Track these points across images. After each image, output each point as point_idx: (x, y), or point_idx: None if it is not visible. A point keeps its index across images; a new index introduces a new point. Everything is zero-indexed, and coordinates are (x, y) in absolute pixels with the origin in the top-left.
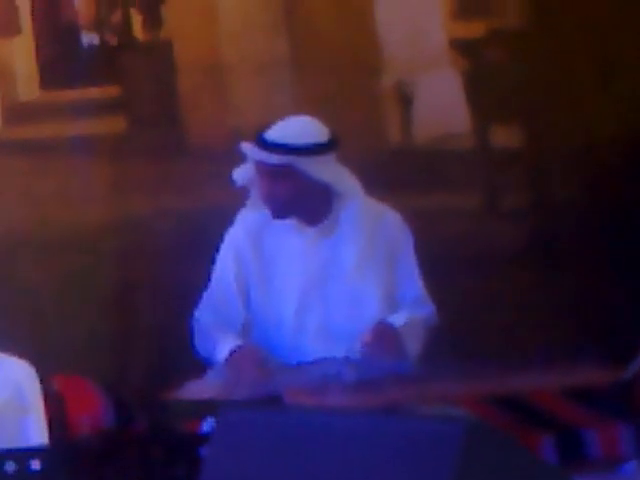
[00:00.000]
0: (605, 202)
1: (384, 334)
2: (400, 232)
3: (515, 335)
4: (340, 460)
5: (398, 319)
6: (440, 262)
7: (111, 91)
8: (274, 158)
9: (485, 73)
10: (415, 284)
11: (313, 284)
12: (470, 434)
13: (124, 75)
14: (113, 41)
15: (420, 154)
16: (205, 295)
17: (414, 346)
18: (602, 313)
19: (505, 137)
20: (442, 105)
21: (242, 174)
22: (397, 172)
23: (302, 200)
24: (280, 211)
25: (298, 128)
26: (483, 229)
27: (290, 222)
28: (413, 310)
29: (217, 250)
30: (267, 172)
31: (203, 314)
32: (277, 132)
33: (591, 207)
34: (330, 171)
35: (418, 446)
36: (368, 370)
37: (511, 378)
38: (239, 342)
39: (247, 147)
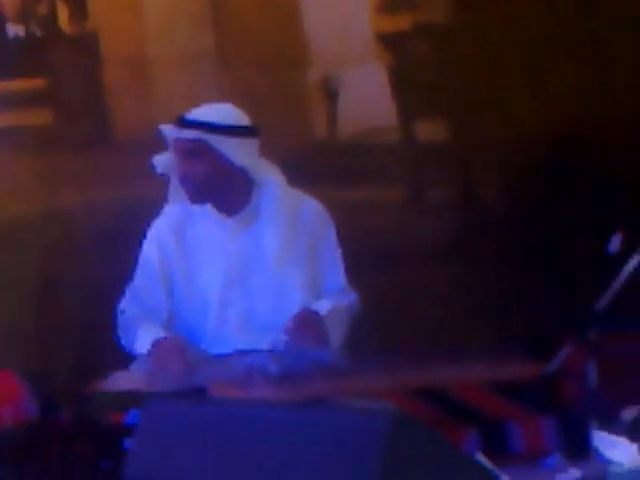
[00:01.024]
0: (529, 198)
1: (308, 321)
2: (321, 221)
3: (440, 329)
4: (264, 453)
5: (323, 307)
6: (365, 256)
7: (37, 83)
8: (189, 134)
9: (411, 67)
10: (338, 273)
11: (235, 275)
12: (394, 427)
13: (50, 67)
14: (39, 33)
15: (345, 148)
16: (130, 287)
17: (338, 334)
18: (526, 307)
19: (430, 131)
20: (368, 99)
21: (161, 161)
22: (322, 166)
23: (218, 183)
24: (196, 193)
25: (216, 109)
26: (408, 223)
27: (210, 213)
28: (337, 299)
29: (142, 244)
30: (183, 151)
31: (128, 306)
32: (195, 112)
33: (515, 202)
34: (247, 156)
35: (342, 439)
36: (293, 362)
37: (435, 371)
38: (162, 334)
39: (165, 127)
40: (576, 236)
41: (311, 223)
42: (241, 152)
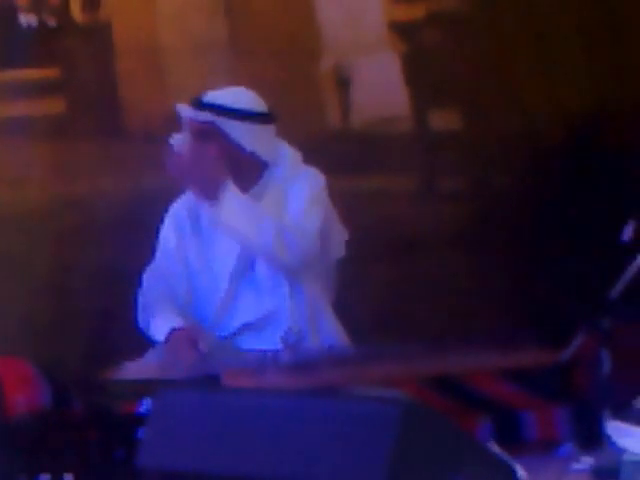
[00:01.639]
0: (542, 186)
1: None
2: (304, 178)
3: (453, 317)
4: (277, 441)
5: None
6: (378, 244)
7: (50, 72)
8: (201, 115)
9: (424, 56)
10: (295, 209)
11: (244, 252)
12: (407, 416)
13: (63, 56)
14: (51, 22)
15: (358, 136)
16: (150, 267)
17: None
18: (540, 295)
19: (443, 120)
20: (380, 88)
21: (179, 140)
22: (335, 154)
23: (228, 166)
24: None
25: (232, 93)
26: (420, 212)
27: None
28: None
29: (155, 231)
30: (194, 132)
31: (148, 285)
32: (211, 94)
33: (528, 190)
34: (259, 141)
35: (355, 427)
36: (306, 351)
37: (449, 360)
38: (179, 322)
39: (181, 107)
40: (589, 224)
41: (301, 189)
42: (252, 137)
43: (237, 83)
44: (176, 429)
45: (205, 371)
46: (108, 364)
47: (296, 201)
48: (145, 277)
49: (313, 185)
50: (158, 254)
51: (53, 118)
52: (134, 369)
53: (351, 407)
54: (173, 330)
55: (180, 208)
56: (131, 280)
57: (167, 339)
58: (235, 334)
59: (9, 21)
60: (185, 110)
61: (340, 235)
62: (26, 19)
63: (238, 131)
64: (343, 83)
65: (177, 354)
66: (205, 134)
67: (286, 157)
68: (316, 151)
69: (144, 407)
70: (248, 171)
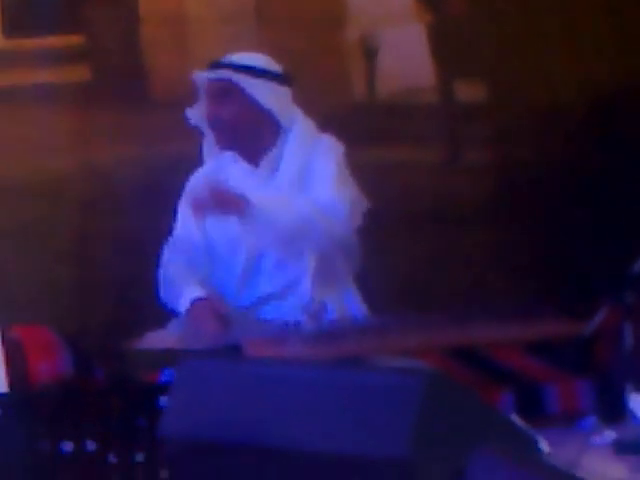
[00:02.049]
0: (566, 159)
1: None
2: (326, 149)
3: (476, 289)
4: (298, 411)
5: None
6: (401, 215)
7: (75, 40)
8: (219, 74)
9: (450, 27)
10: (326, 188)
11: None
12: (429, 387)
13: (88, 24)
14: None
15: (383, 107)
16: (171, 239)
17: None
18: (564, 267)
19: (469, 91)
20: (406, 58)
21: (195, 112)
22: (360, 125)
23: (246, 126)
24: (223, 135)
25: (248, 55)
26: (445, 183)
27: (239, 163)
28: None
29: (179, 200)
30: (213, 92)
31: (169, 257)
32: (228, 56)
33: (552, 164)
34: (275, 100)
35: (377, 398)
36: (328, 320)
37: (472, 331)
38: (200, 293)
39: (197, 74)
40: (614, 197)
41: (319, 159)
42: (269, 95)
43: (262, 52)
44: (198, 399)
45: (227, 341)
46: (131, 333)
47: (324, 171)
48: (165, 249)
49: (336, 155)
50: (178, 226)
51: (78, 86)
52: (156, 338)
53: (374, 378)
54: (195, 300)
55: (198, 177)
56: (154, 249)
57: (189, 309)
58: (256, 304)
59: None
60: (203, 74)
61: (359, 203)
62: None
63: (255, 88)
64: (369, 53)
65: (199, 324)
66: (223, 93)
67: (300, 123)
68: (341, 121)
69: (166, 376)
70: (264, 133)
